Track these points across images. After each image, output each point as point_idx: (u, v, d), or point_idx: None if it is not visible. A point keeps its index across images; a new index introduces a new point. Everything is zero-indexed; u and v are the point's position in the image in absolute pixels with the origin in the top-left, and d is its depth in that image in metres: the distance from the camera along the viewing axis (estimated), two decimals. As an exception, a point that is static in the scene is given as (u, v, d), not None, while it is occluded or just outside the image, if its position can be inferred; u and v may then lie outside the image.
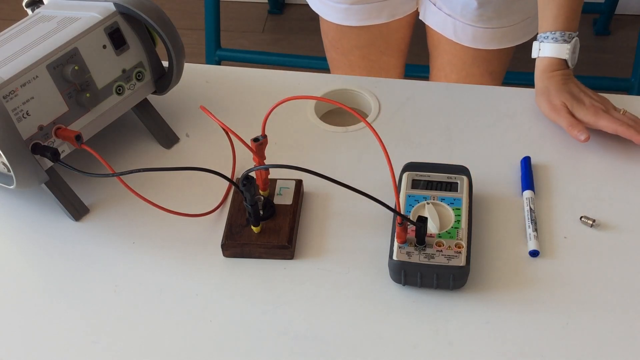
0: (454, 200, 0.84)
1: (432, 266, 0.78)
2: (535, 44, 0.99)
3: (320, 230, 0.87)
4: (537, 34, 1.00)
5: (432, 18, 1.22)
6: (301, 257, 0.85)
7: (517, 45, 1.22)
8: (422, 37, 1.28)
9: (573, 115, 0.95)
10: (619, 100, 1.00)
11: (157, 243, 0.87)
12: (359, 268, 0.83)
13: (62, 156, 0.86)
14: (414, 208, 0.83)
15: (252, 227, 0.84)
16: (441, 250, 0.79)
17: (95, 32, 0.88)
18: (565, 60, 0.97)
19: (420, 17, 1.24)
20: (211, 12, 2.09)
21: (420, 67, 1.59)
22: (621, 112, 0.96)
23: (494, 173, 0.92)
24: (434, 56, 1.30)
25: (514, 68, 1.65)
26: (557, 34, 0.96)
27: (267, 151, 0.85)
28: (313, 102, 1.04)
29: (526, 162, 0.92)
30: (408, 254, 0.79)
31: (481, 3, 1.14)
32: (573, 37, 0.97)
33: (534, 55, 0.99)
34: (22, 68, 0.82)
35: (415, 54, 1.49)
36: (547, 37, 0.97)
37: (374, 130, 0.74)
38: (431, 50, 1.30)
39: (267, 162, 0.85)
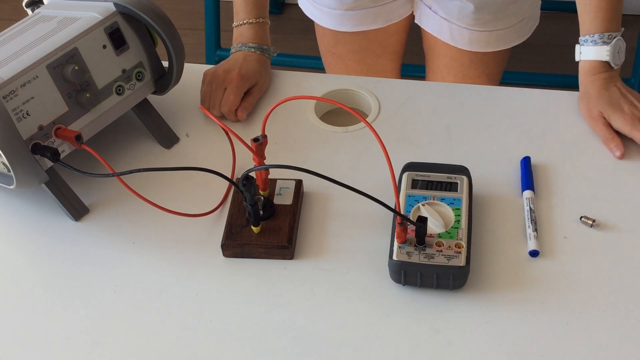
0: (454, 200, 0.84)
1: (432, 266, 0.78)
2: (576, 47, 0.99)
3: (320, 230, 0.87)
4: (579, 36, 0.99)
5: (428, 22, 1.21)
6: (301, 257, 0.84)
7: (516, 45, 1.22)
8: (418, 37, 1.28)
9: (611, 125, 0.95)
10: (619, 100, 1.00)
11: (157, 243, 0.87)
12: (359, 268, 0.83)
13: (62, 156, 0.86)
14: (414, 208, 0.83)
15: (252, 227, 0.84)
16: (441, 250, 0.79)
17: (95, 32, 0.88)
18: (607, 62, 0.97)
19: (416, 21, 1.24)
20: (211, 12, 2.09)
21: (416, 67, 1.59)
22: None
23: (494, 173, 0.92)
24: (430, 59, 1.29)
25: (514, 68, 1.65)
26: (596, 37, 0.96)
27: (267, 151, 0.85)
28: (313, 102, 1.03)
29: (526, 162, 0.92)
30: (408, 254, 0.79)
31: (478, 7, 1.13)
32: (614, 38, 0.96)
33: (576, 58, 0.99)
34: (22, 68, 0.82)
35: (413, 54, 1.49)
36: (587, 40, 0.97)
37: (374, 130, 0.74)
38: (427, 53, 1.30)
39: (267, 162, 0.85)
